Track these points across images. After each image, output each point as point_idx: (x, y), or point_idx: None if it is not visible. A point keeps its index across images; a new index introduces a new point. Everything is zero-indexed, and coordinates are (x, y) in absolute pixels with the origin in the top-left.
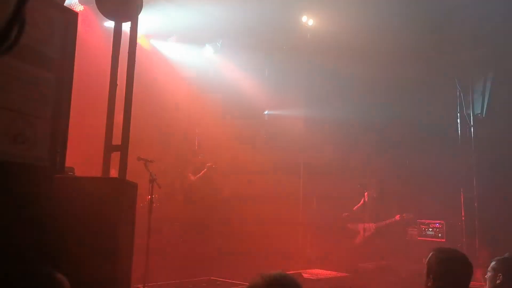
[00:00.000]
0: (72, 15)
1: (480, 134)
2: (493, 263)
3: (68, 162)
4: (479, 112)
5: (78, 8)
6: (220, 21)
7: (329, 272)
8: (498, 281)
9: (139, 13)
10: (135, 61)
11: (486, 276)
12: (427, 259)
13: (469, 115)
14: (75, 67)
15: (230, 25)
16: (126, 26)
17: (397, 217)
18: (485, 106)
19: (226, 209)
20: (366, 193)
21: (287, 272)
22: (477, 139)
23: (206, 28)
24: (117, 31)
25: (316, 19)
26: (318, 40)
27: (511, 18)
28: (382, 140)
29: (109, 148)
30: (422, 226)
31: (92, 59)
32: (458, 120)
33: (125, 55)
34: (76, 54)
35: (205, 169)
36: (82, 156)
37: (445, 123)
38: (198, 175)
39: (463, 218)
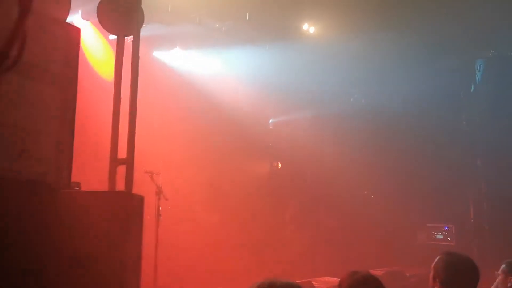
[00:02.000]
0: (74, 30)
1: (487, 137)
2: (503, 266)
3: (74, 177)
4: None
5: (81, 23)
6: (222, 30)
7: (339, 279)
8: (509, 285)
9: (141, 26)
10: (138, 74)
11: (497, 280)
12: (434, 263)
13: (475, 119)
14: (79, 82)
15: (233, 34)
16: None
17: None
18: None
19: (233, 218)
20: None
21: (297, 281)
22: (484, 142)
23: (209, 38)
24: (120, 45)
25: (317, 27)
26: (319, 47)
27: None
28: (390, 145)
29: (114, 161)
30: (431, 230)
31: (96, 73)
32: (464, 122)
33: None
34: (79, 69)
35: None
36: (88, 171)
37: (452, 126)
38: None
39: (472, 221)
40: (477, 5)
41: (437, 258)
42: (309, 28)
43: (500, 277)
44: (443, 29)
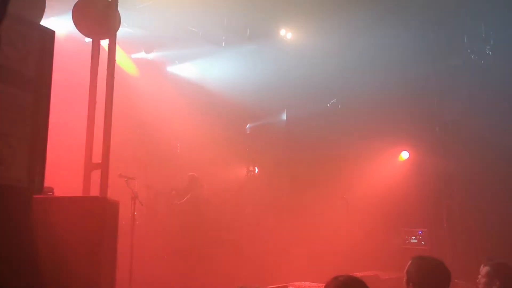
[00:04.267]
0: (48, 33)
1: (460, 142)
2: (487, 268)
3: (47, 182)
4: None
5: (56, 26)
6: (200, 34)
7: (315, 284)
8: None
9: (117, 30)
10: (114, 77)
11: (479, 282)
12: (407, 267)
13: (448, 123)
14: (53, 85)
15: (210, 39)
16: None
17: None
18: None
19: (210, 223)
20: None
21: (273, 286)
22: (458, 147)
23: (186, 43)
24: (95, 48)
25: (294, 33)
26: (296, 52)
27: None
28: (365, 149)
29: (89, 166)
30: (405, 234)
31: (70, 76)
32: (437, 128)
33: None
34: (54, 72)
35: (189, 195)
36: (62, 176)
37: (426, 131)
38: (182, 201)
39: (445, 225)
40: (452, 12)
41: (409, 262)
42: (286, 33)
43: (484, 280)
44: (419, 34)
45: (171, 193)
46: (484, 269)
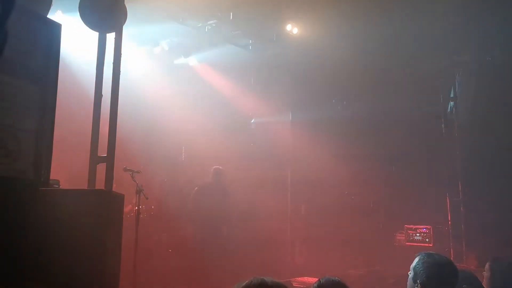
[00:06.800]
0: (55, 26)
1: (465, 139)
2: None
3: (53, 175)
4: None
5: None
6: (206, 29)
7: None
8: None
9: (124, 23)
10: (120, 71)
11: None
12: (414, 264)
13: (454, 122)
14: (60, 78)
15: (216, 33)
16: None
17: None
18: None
19: (214, 220)
20: None
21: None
22: (463, 145)
23: (192, 38)
24: (102, 42)
25: (301, 28)
26: (302, 47)
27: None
28: (371, 149)
29: (94, 159)
30: (409, 231)
31: (77, 69)
32: (443, 125)
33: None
34: (60, 65)
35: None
36: (67, 168)
37: (431, 129)
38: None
39: (449, 222)
40: (460, 7)
41: (417, 259)
42: (292, 29)
43: (486, 275)
44: (424, 33)
45: (194, 189)
46: (486, 265)
